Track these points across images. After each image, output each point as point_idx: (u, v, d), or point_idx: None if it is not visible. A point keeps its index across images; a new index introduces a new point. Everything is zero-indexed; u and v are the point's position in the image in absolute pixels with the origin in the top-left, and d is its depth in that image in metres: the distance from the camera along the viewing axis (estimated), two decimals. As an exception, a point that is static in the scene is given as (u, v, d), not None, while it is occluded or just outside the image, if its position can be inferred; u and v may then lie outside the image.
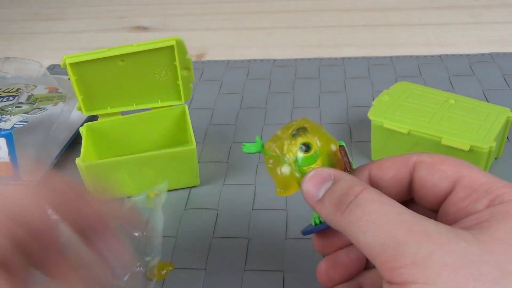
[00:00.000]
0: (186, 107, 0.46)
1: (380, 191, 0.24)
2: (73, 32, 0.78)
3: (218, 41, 0.71)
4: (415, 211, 0.27)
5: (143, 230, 0.36)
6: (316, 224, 0.28)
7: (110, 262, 0.29)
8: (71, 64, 0.41)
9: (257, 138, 0.28)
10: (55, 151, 0.48)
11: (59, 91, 0.52)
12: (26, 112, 0.48)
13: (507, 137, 0.46)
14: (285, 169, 0.27)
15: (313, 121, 0.28)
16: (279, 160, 0.27)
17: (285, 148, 0.27)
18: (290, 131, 0.28)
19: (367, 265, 0.29)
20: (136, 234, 0.36)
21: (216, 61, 0.65)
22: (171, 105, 0.46)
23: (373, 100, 0.45)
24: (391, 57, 0.62)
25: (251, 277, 0.36)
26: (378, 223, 0.21)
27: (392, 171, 0.26)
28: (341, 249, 0.29)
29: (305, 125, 0.27)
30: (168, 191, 0.42)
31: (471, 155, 0.39)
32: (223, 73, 0.62)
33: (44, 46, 0.74)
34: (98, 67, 0.42)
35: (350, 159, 0.27)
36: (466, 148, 0.39)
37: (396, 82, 0.48)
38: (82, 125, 0.45)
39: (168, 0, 0.85)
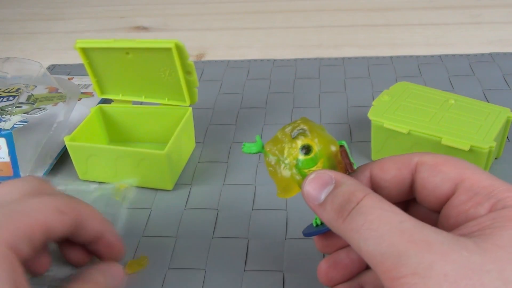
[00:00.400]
0: (191, 110, 0.46)
1: (382, 193, 0.24)
2: (73, 32, 0.78)
3: (218, 41, 0.71)
4: (417, 211, 0.28)
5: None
6: (317, 225, 0.28)
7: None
8: (82, 49, 0.44)
9: (257, 138, 0.28)
10: (55, 151, 0.48)
11: (59, 91, 0.52)
12: (26, 112, 0.48)
13: (507, 137, 0.46)
14: (286, 172, 0.27)
15: (313, 122, 0.28)
16: (279, 163, 0.27)
17: (285, 150, 0.27)
18: (290, 132, 0.27)
19: (368, 265, 0.29)
20: None
21: (216, 61, 0.65)
22: (178, 105, 0.46)
23: (373, 100, 0.45)
24: (391, 57, 0.62)
25: (251, 277, 0.36)
26: (380, 232, 0.21)
27: (393, 171, 0.26)
28: (342, 248, 0.29)
29: (305, 127, 0.27)
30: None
31: (471, 155, 0.39)
32: (223, 73, 0.62)
33: (44, 46, 0.74)
34: (108, 56, 0.45)
35: (351, 159, 0.27)
36: (466, 148, 0.39)
37: (396, 82, 0.48)
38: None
39: (168, 0, 0.85)
